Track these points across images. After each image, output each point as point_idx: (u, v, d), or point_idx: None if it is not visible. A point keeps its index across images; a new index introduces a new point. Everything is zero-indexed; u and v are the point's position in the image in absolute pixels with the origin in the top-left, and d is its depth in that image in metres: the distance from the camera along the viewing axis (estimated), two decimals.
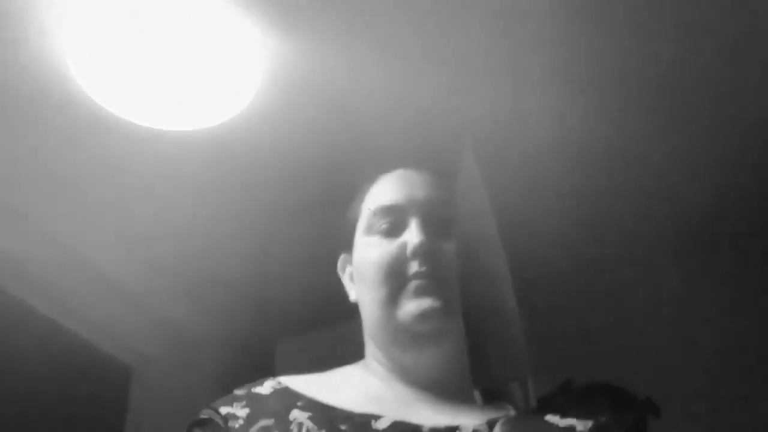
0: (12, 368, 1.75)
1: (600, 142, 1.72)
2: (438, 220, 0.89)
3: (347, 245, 0.98)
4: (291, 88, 1.50)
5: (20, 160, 1.65)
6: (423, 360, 0.86)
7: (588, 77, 1.54)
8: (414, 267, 0.85)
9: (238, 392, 0.87)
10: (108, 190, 1.76)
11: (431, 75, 1.52)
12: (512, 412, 0.59)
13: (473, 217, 0.65)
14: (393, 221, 0.90)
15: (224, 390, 0.89)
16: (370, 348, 0.93)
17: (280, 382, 0.88)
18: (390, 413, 0.79)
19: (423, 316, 0.83)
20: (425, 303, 0.83)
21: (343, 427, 0.76)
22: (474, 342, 0.61)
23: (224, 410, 0.83)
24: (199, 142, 1.61)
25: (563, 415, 0.77)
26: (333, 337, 2.13)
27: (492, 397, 0.59)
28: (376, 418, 0.78)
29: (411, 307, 0.83)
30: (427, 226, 0.88)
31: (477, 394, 0.60)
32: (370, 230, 0.92)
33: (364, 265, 0.91)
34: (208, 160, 1.70)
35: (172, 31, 1.27)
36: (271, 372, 0.91)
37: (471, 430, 0.75)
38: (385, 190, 0.94)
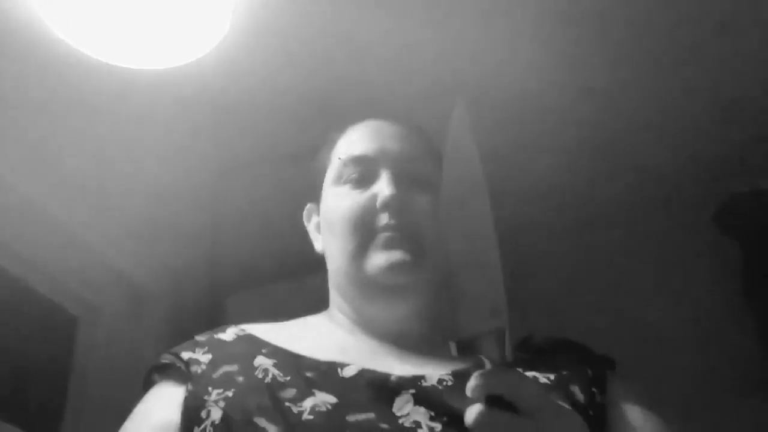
0: None
1: (594, 94, 1.70)
2: (410, 173, 0.88)
3: (314, 195, 0.96)
4: (263, 26, 1.43)
5: None
6: (389, 312, 0.86)
7: (581, 23, 1.51)
8: (384, 219, 0.84)
9: (200, 338, 0.85)
10: (63, 130, 1.70)
11: (418, 16, 1.46)
12: (487, 365, 0.58)
13: (461, 170, 0.63)
14: (364, 172, 0.88)
15: (172, 344, 0.87)
16: (336, 299, 0.92)
17: (243, 330, 0.86)
18: (356, 362, 0.78)
19: (391, 268, 0.82)
20: (394, 256, 0.82)
21: (309, 375, 0.76)
22: (452, 293, 0.60)
23: (186, 355, 0.81)
24: (166, 83, 1.55)
25: (525, 370, 0.78)
26: (285, 292, 2.13)
27: (467, 350, 0.59)
28: (343, 366, 0.77)
29: (379, 259, 0.83)
30: (398, 179, 0.87)
31: (452, 346, 0.60)
32: (339, 180, 0.90)
33: (332, 216, 0.89)
34: (174, 101, 1.63)
35: None
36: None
37: (436, 379, 0.75)
38: (357, 140, 0.92)
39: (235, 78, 1.58)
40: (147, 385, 0.85)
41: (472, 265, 0.60)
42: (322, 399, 0.72)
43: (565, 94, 1.68)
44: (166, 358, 0.83)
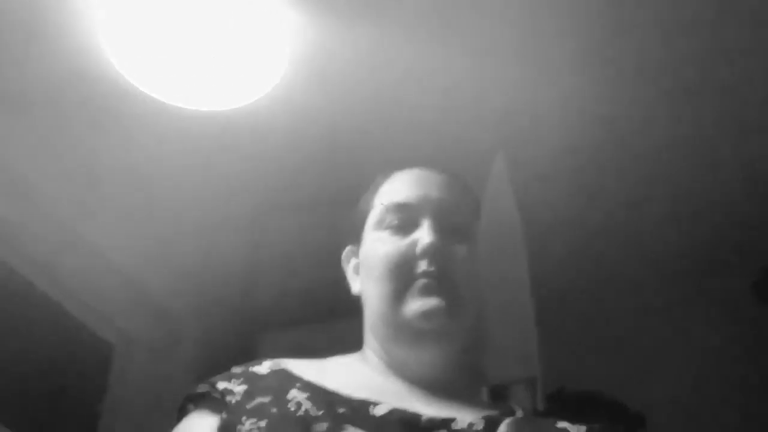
0: None
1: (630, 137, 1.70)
2: (451, 222, 0.90)
3: (354, 237, 0.98)
4: (317, 72, 1.49)
5: (37, 137, 1.66)
6: (423, 357, 0.87)
7: (615, 66, 1.52)
8: (422, 266, 0.86)
9: (236, 370, 0.88)
10: (108, 160, 1.76)
11: (462, 61, 1.50)
12: (519, 413, 0.60)
13: (499, 222, 0.66)
14: (405, 219, 0.91)
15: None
16: (370, 340, 0.94)
17: (278, 364, 0.88)
18: (387, 401, 0.79)
19: (427, 314, 0.84)
20: (430, 302, 0.84)
21: (341, 410, 0.77)
22: (485, 340, 0.64)
23: (221, 385, 0.83)
24: (215, 124, 1.60)
25: (556, 420, 0.78)
26: (315, 334, 2.14)
27: (499, 397, 0.61)
28: (374, 404, 0.79)
29: (416, 305, 0.84)
30: (439, 228, 0.88)
31: (485, 392, 0.61)
32: (380, 225, 0.93)
33: (371, 259, 0.91)
34: (224, 142, 1.69)
35: (200, 9, 1.28)
36: None
37: (467, 423, 0.76)
38: (400, 187, 0.95)
39: (281, 124, 1.63)
40: (181, 413, 0.87)
41: (506, 313, 0.62)
42: None
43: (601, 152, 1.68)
44: (202, 388, 0.85)
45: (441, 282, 0.85)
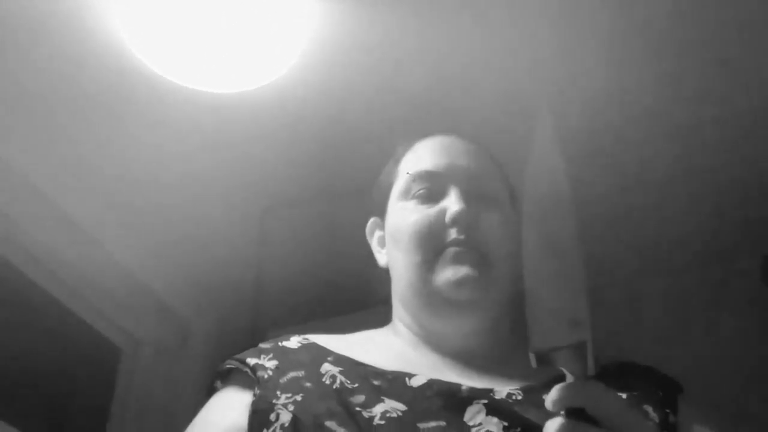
0: (3, 339, 1.73)
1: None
2: (479, 190, 0.89)
3: (378, 209, 0.97)
4: (335, 52, 1.43)
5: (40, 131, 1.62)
6: (455, 327, 0.85)
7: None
8: (452, 234, 0.84)
9: (265, 345, 0.86)
10: (111, 158, 1.72)
11: (486, 41, 1.45)
12: (568, 378, 0.57)
13: (545, 181, 0.63)
14: (432, 187, 0.89)
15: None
16: (399, 312, 0.92)
17: (307, 338, 0.87)
18: (423, 373, 0.78)
19: (459, 283, 0.82)
20: (461, 271, 0.82)
21: (376, 383, 0.75)
22: (530, 305, 0.59)
23: (252, 361, 0.81)
24: (228, 108, 1.55)
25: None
26: (327, 330, 2.12)
27: (546, 362, 0.57)
28: (410, 375, 0.77)
29: (447, 273, 0.82)
30: (467, 195, 0.87)
31: (532, 357, 0.58)
32: (406, 195, 0.90)
33: (399, 229, 0.89)
34: (237, 127, 1.64)
35: None
36: None
37: (505, 393, 0.75)
38: (425, 156, 0.93)
39: (291, 110, 1.59)
40: (210, 392, 0.85)
41: (554, 276, 0.59)
42: (392, 406, 0.72)
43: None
44: (231, 363, 0.83)
45: (471, 250, 0.83)
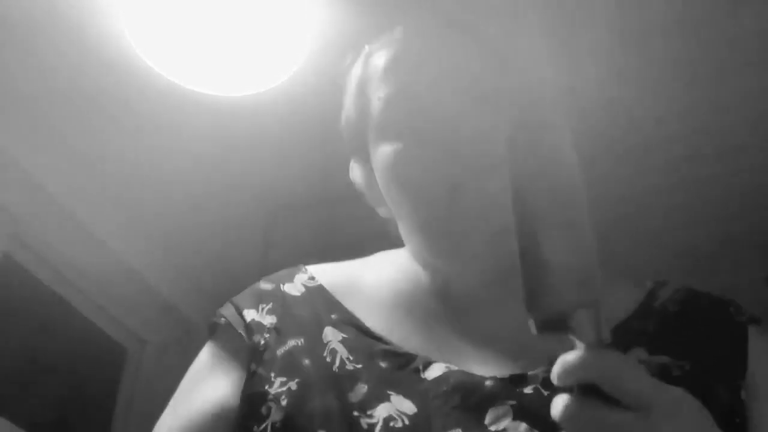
0: (10, 338, 1.75)
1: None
2: None
3: (357, 146, 0.80)
4: (340, 57, 1.43)
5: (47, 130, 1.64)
6: (473, 265, 0.70)
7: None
8: None
9: (265, 287, 0.75)
10: (119, 157, 1.74)
11: (486, 44, 1.46)
12: (580, 346, 0.47)
13: (533, 101, 0.54)
14: None
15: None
16: (412, 249, 0.76)
17: (313, 278, 0.76)
18: (442, 355, 0.67)
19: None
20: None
21: (383, 365, 0.66)
22: (531, 261, 0.49)
23: (249, 315, 0.72)
24: (233, 111, 1.56)
25: (651, 351, 0.65)
26: None
27: (550, 329, 0.48)
28: (425, 363, 0.66)
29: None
30: None
31: (531, 324, 0.49)
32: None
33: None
34: (243, 131, 1.64)
35: None
36: None
37: (540, 379, 0.63)
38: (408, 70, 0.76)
39: (296, 114, 1.60)
40: (211, 330, 0.77)
41: (557, 229, 0.50)
42: (399, 408, 0.63)
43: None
44: (227, 311, 0.74)
45: None
